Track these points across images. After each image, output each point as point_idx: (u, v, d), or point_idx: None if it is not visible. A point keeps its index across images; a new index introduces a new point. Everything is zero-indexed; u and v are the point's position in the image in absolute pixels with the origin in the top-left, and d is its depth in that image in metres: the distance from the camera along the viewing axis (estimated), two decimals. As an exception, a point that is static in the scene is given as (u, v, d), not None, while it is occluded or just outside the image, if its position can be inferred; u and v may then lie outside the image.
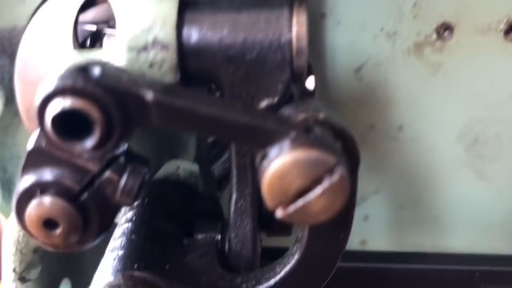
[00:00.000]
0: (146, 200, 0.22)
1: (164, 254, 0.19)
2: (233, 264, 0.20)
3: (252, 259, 0.20)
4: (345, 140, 0.17)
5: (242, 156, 0.19)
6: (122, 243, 0.20)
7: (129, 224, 0.21)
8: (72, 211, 0.17)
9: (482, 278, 0.26)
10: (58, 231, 0.17)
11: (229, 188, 0.22)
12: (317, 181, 0.14)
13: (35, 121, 0.16)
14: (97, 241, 0.18)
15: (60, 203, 0.17)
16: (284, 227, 0.21)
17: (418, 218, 0.29)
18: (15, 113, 0.24)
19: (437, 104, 0.26)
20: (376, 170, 0.27)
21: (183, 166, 0.23)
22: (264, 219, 0.21)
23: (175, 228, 0.21)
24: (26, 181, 0.18)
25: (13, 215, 0.25)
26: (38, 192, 0.18)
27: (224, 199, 0.23)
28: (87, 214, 0.17)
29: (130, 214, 0.22)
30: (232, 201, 0.20)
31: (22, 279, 0.24)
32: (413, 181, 0.28)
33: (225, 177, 0.27)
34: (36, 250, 0.25)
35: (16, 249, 0.24)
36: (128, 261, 0.19)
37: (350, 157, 0.16)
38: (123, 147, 0.17)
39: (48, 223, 0.17)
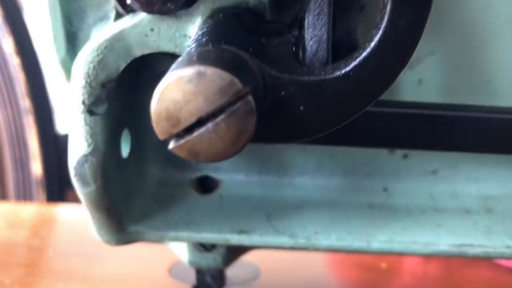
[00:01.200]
0: (215, 25, 0.22)
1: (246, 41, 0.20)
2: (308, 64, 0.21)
3: (327, 59, 0.21)
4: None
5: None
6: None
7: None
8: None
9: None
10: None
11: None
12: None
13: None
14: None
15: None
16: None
17: (471, 83, 0.29)
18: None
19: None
20: (432, 30, 0.28)
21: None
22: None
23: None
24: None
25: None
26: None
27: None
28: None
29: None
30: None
31: (90, 112, 0.25)
32: (468, 42, 0.28)
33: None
34: (104, 85, 0.25)
35: (86, 82, 0.25)
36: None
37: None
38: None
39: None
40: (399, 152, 0.31)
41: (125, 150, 0.28)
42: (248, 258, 0.40)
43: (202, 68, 0.16)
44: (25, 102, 0.80)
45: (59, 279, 0.35)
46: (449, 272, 0.41)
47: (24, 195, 0.80)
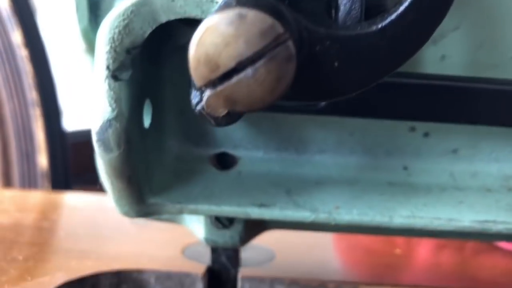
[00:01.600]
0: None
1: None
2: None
3: (360, 19, 0.20)
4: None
5: None
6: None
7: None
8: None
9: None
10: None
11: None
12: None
13: None
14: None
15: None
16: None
17: (493, 60, 0.29)
18: None
19: None
20: (457, 4, 0.28)
21: None
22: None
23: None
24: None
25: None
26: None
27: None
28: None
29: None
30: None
31: (115, 77, 0.25)
32: (493, 17, 0.28)
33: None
34: (129, 51, 0.25)
35: (111, 47, 0.25)
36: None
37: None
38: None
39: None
40: (420, 131, 0.31)
41: (146, 121, 0.28)
42: (263, 242, 0.40)
43: (243, 10, 0.16)
44: (32, 95, 0.80)
45: (71, 257, 0.35)
46: (462, 259, 0.41)
47: (29, 187, 0.79)
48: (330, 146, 0.32)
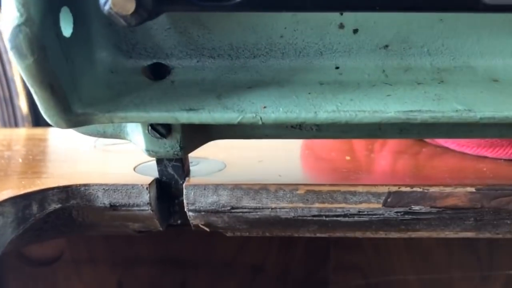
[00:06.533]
0: None
1: None
2: None
3: None
4: None
5: None
6: None
7: None
8: None
9: None
10: None
11: None
12: None
13: None
14: None
15: None
16: None
17: None
18: None
19: None
20: None
21: None
22: None
23: None
24: None
25: None
26: None
27: None
28: None
29: None
30: None
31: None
32: None
33: None
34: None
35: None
36: None
37: None
38: None
39: None
40: (349, 27, 0.31)
41: (67, 30, 0.28)
42: (216, 155, 0.41)
43: None
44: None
45: (23, 178, 0.36)
46: (417, 163, 0.42)
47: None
48: (261, 50, 0.32)
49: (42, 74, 0.26)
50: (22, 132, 0.56)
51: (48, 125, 0.81)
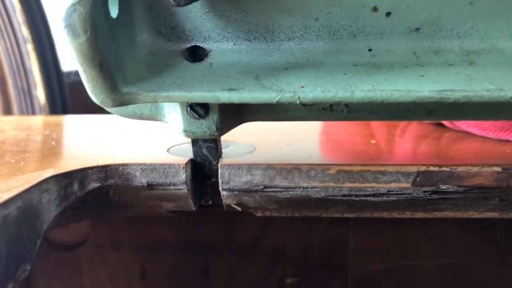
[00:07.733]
0: None
1: None
2: None
3: None
4: None
5: None
6: None
7: None
8: None
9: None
10: None
11: None
12: None
13: None
14: None
15: None
16: None
17: None
18: None
19: None
20: None
21: None
22: None
23: None
24: None
25: None
26: None
27: None
28: None
29: None
30: None
31: (76, -36, 0.26)
32: None
33: None
34: None
35: None
36: None
37: None
38: None
39: None
40: (382, 10, 0.32)
41: (114, 11, 0.29)
42: (243, 139, 0.42)
43: None
44: (22, 32, 0.81)
45: (61, 159, 0.37)
46: (439, 146, 0.43)
47: (29, 122, 0.81)
48: (296, 33, 0.33)
49: (93, 52, 0.27)
50: (47, 119, 0.57)
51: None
